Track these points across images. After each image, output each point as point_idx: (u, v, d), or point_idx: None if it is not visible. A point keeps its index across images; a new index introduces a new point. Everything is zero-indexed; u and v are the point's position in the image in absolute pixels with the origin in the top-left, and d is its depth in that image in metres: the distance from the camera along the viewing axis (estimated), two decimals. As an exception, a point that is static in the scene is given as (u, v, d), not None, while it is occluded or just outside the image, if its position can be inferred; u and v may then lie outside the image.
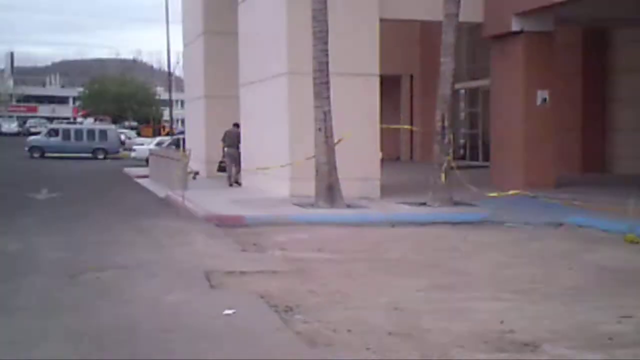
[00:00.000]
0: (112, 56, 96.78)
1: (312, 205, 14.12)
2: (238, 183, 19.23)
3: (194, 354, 5.53)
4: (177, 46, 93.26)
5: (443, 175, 14.30)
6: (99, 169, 29.74)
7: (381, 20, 16.52)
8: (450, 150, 14.71)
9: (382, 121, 16.69)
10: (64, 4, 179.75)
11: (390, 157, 26.69)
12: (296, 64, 15.73)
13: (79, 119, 72.55)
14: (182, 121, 50.13)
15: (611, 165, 21.81)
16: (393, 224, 12.71)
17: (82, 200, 17.42)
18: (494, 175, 18.08)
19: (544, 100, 17.13)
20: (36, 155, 36.64)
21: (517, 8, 16.80)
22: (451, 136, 14.85)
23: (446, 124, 14.57)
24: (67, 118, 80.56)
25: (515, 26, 17.01)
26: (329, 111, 14.14)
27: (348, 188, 14.46)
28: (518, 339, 5.80)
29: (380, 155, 16.65)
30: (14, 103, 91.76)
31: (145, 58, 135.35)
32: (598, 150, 21.82)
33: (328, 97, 14.14)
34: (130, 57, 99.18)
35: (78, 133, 38.35)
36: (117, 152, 38.36)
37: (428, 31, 27.49)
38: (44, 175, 25.50)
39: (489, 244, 10.80)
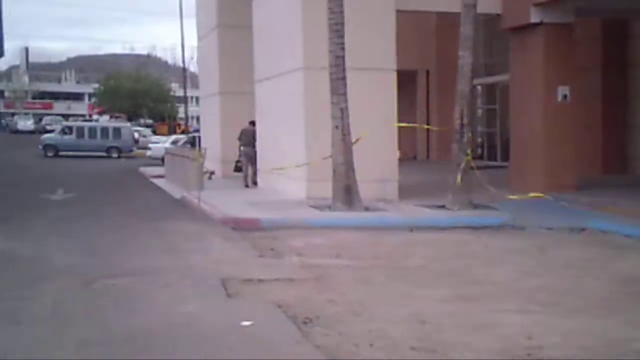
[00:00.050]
0: (127, 51, 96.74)
1: (329, 208, 13.90)
2: (254, 183, 19.02)
3: (211, 370, 5.37)
4: (192, 41, 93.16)
5: (459, 177, 13.99)
6: (114, 169, 29.66)
7: (397, 11, 16.14)
8: (469, 150, 14.35)
9: (397, 118, 16.28)
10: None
11: (406, 156, 26.37)
12: (312, 58, 15.32)
13: (95, 116, 72.79)
14: (198, 118, 50.09)
15: (633, 166, 21.19)
16: (412, 228, 12.48)
17: (97, 201, 17.31)
18: (513, 176, 17.74)
19: (565, 96, 16.74)
20: (50, 153, 36.54)
21: (536, -2, 16.44)
22: (470, 134, 14.49)
23: (465, 121, 14.15)
24: (83, 115, 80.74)
25: (534, 17, 16.65)
26: (346, 108, 13.80)
27: (365, 189, 14.15)
28: (548, 356, 5.58)
29: (398, 154, 16.37)
30: (29, 100, 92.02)
31: (159, 53, 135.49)
32: (619, 149, 21.11)
33: (345, 94, 13.81)
34: (145, 52, 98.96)
35: (92, 131, 38.14)
36: (131, 150, 38.15)
37: (444, 24, 26.93)
38: (60, 174, 25.46)
39: (511, 251, 10.54)
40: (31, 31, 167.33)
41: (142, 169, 27.59)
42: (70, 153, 36.49)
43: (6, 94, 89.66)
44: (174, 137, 35.15)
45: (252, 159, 19.06)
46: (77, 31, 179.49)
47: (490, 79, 25.96)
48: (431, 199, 14.97)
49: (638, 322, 6.61)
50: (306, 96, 15.64)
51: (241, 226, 12.53)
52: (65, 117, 74.04)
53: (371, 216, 13.39)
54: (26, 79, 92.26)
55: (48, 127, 59.48)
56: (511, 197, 14.27)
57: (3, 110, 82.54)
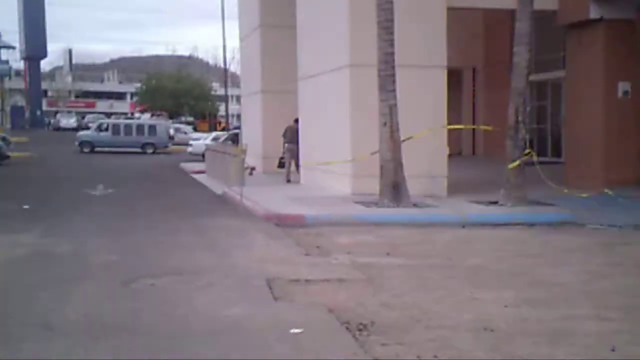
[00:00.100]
0: (169, 53, 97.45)
1: (376, 204, 13.33)
2: (293, 179, 18.68)
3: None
4: (233, 42, 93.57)
5: (511, 173, 13.35)
6: (154, 164, 29.47)
7: (449, 9, 15.60)
8: (527, 145, 13.80)
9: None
10: (121, 2, 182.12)
11: (452, 151, 25.65)
12: (359, 55, 14.98)
13: (137, 114, 73.29)
14: (238, 116, 49.88)
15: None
16: (464, 224, 11.85)
17: (138, 197, 16.99)
18: (569, 172, 16.98)
19: (626, 92, 16.01)
20: (86, 150, 36.85)
21: (595, -7, 15.68)
22: (525, 131, 13.90)
23: (520, 118, 13.69)
24: (125, 113, 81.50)
25: (593, 13, 15.89)
26: (395, 105, 13.35)
27: (413, 186, 13.63)
28: (637, 371, 4.94)
29: (447, 150, 15.77)
30: (72, 99, 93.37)
31: (201, 54, 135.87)
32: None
33: (394, 90, 13.36)
34: (187, 53, 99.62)
35: (127, 128, 38.44)
36: (166, 146, 38.42)
37: (492, 21, 26.49)
38: (99, 170, 25.28)
39: (575, 249, 9.82)
40: (76, 34, 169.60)
41: (183, 165, 27.49)
42: (106, 149, 36.65)
43: (49, 93, 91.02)
44: (214, 133, 35.06)
45: (295, 156, 18.93)
46: (121, 33, 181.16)
47: (542, 76, 25.08)
48: (482, 195, 14.32)
49: None
50: (352, 94, 15.31)
51: (284, 222, 12.04)
52: (108, 115, 74.82)
53: (421, 213, 12.77)
54: (69, 78, 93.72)
55: (90, 125, 59.87)
56: (580, 194, 13.51)
57: (46, 108, 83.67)
